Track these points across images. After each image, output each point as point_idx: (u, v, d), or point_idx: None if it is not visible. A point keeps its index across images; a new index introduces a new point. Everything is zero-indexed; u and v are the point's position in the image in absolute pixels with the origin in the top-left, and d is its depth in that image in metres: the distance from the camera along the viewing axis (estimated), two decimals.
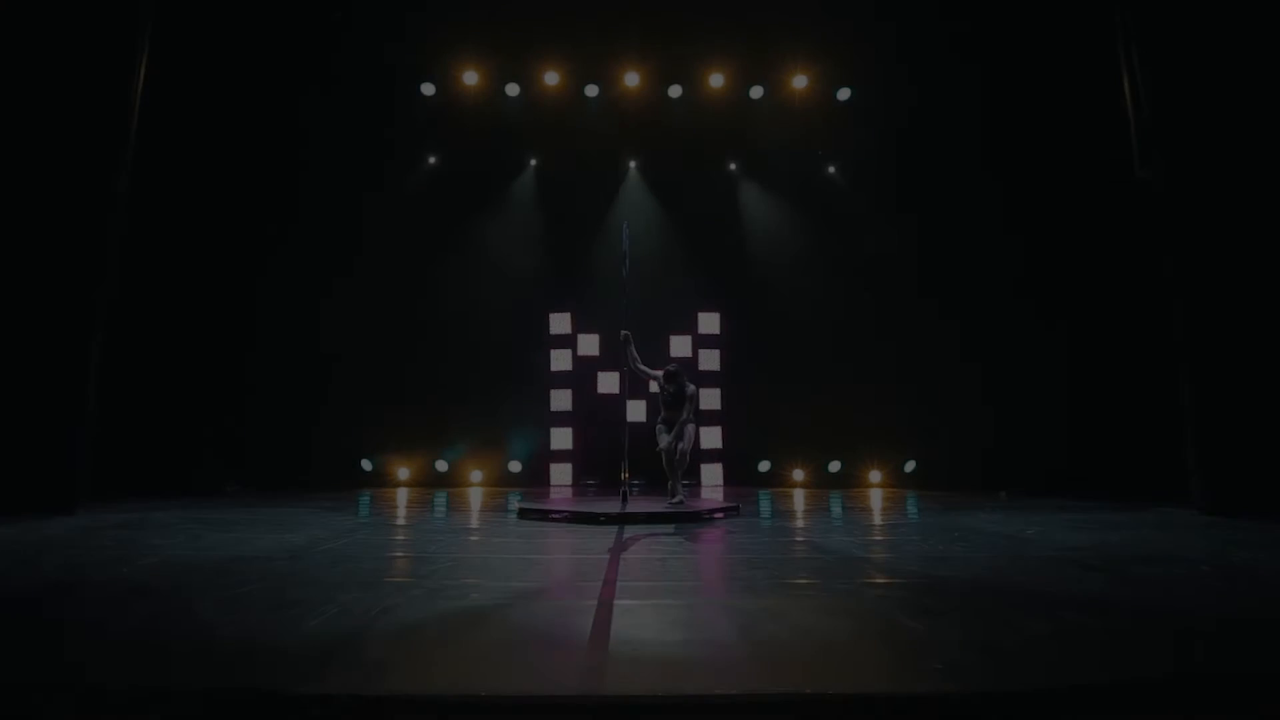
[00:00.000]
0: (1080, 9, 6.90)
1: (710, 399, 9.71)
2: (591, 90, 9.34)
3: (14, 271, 5.81)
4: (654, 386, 6.45)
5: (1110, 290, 7.81)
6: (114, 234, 6.29)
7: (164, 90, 7.00)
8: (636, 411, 8.88)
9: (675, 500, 5.96)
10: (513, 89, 9.29)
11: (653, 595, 2.90)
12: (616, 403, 6.84)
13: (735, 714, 1.78)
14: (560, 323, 9.80)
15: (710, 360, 9.78)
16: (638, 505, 5.81)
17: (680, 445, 5.98)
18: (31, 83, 5.90)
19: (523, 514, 5.76)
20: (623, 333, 6.09)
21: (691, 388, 6.09)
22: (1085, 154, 7.57)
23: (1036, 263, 8.54)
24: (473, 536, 4.60)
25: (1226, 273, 5.95)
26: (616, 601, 2.78)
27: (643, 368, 6.20)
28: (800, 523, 5.40)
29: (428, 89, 9.20)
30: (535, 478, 9.53)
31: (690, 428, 6.05)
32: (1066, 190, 8.03)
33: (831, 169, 9.94)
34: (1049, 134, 7.96)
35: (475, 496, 7.75)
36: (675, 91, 9.40)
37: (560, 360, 9.77)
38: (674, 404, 6.06)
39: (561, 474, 9.57)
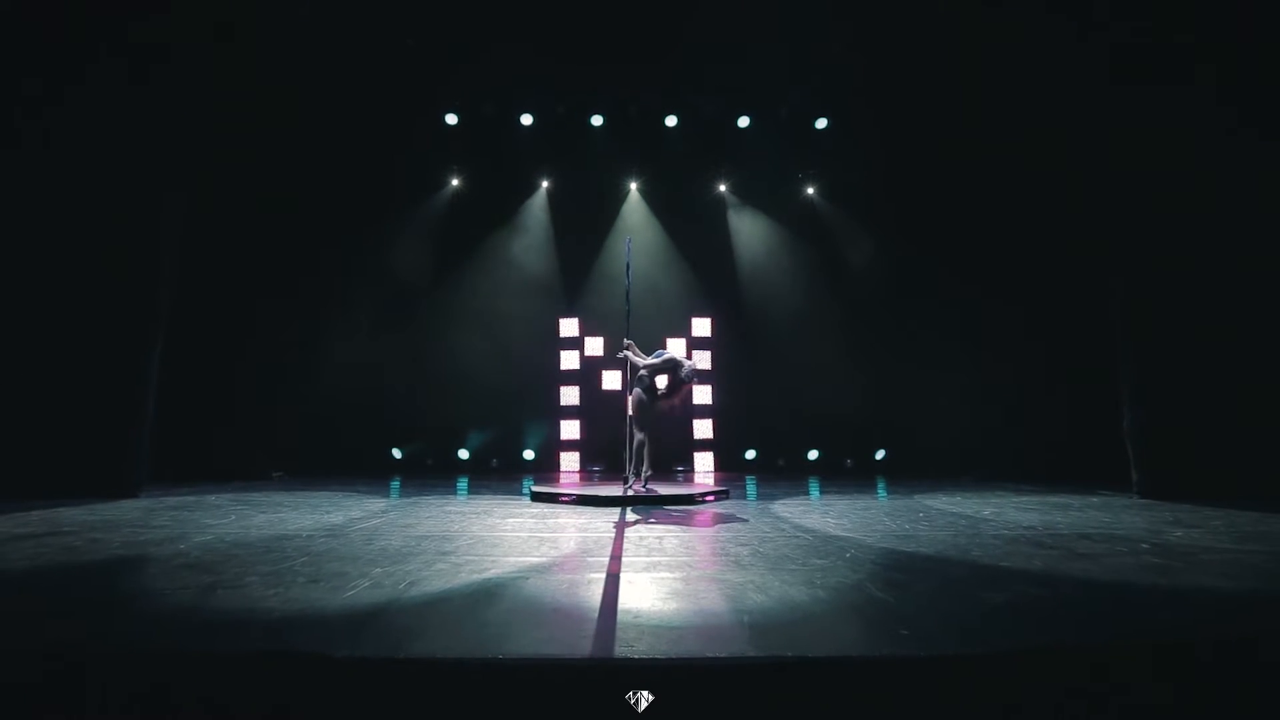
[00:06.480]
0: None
1: (703, 394, 9.72)
2: (596, 120, 9.36)
3: (84, 285, 5.83)
4: (662, 380, 5.90)
5: (1065, 299, 7.84)
6: (172, 251, 6.30)
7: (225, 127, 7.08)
8: None
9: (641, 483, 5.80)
10: (526, 119, 9.31)
11: (651, 569, 2.90)
12: (619, 398, 6.82)
13: (725, 676, 1.78)
14: (569, 326, 9.81)
15: (703, 360, 9.78)
16: (637, 489, 5.80)
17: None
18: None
19: (535, 497, 5.76)
20: (625, 340, 5.94)
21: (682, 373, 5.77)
22: (1050, 166, 7.53)
23: (998, 274, 8.54)
24: (491, 517, 4.59)
25: (1159, 291, 5.98)
26: (619, 575, 2.78)
27: (646, 361, 5.83)
28: (782, 505, 5.40)
29: (451, 119, 9.22)
30: (546, 464, 9.54)
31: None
32: (1032, 205, 8.01)
33: (811, 190, 9.95)
34: (1013, 151, 7.94)
35: (493, 481, 7.74)
36: (671, 121, 9.43)
37: (569, 360, 9.78)
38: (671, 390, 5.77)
39: (570, 461, 9.57)
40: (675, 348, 5.87)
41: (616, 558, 3.16)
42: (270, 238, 8.03)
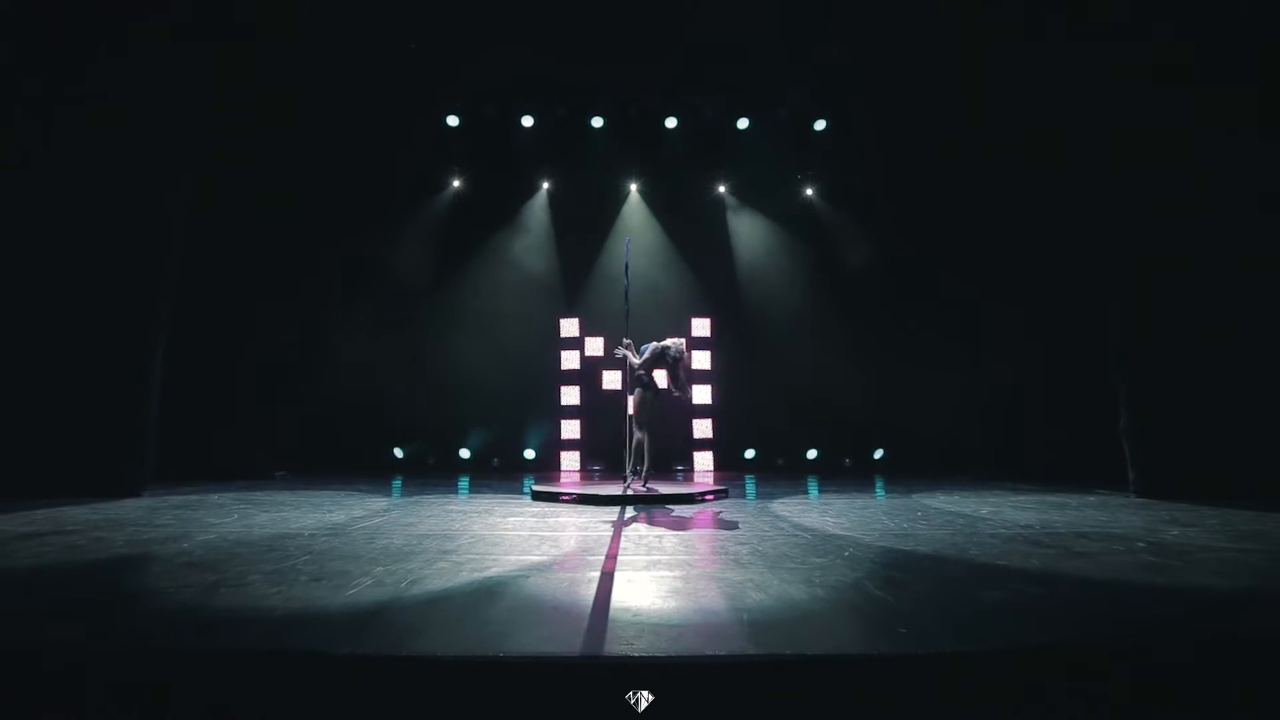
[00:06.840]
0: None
1: (702, 394, 9.73)
2: (597, 121, 9.37)
3: (86, 286, 5.84)
4: (661, 379, 5.96)
5: (1065, 299, 7.84)
6: (173, 251, 6.30)
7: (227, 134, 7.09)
8: None
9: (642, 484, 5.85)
10: (527, 120, 9.32)
11: (650, 568, 2.91)
12: (619, 398, 6.82)
13: (724, 674, 1.78)
14: (569, 327, 9.81)
15: (702, 360, 9.79)
16: (637, 488, 5.80)
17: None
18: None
19: (536, 496, 5.76)
20: (624, 340, 5.96)
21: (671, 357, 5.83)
22: (1050, 166, 7.52)
23: (998, 274, 8.54)
24: (492, 516, 4.60)
25: (1159, 291, 5.98)
26: (618, 573, 2.78)
27: (639, 360, 5.88)
28: (781, 504, 5.40)
29: (452, 120, 9.23)
30: (547, 463, 9.55)
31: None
32: (1032, 205, 8.01)
33: (810, 190, 9.95)
34: (1012, 151, 7.93)
35: (494, 480, 7.74)
36: (671, 123, 9.43)
37: (570, 360, 9.79)
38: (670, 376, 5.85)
39: (570, 460, 9.58)
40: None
41: (616, 556, 3.16)
42: (270, 238, 8.03)
